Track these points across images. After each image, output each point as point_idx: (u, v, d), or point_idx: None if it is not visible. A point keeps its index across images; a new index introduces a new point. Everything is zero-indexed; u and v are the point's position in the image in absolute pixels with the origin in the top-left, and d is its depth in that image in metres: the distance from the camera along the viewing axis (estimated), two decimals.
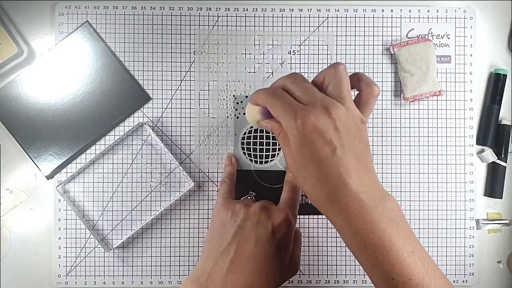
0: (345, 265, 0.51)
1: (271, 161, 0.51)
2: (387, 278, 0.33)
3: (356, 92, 0.38)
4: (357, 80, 0.37)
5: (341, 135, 0.34)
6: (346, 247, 0.51)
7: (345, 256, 0.51)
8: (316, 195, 0.35)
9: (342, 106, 0.35)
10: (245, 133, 0.51)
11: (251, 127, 0.51)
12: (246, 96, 0.51)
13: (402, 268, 0.33)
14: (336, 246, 0.51)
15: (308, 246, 0.51)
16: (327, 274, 0.51)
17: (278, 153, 0.51)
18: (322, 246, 0.51)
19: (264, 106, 0.38)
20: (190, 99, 0.51)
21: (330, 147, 0.33)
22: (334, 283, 0.51)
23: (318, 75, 0.37)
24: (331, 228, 0.51)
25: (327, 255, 0.51)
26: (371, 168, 0.36)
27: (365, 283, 0.51)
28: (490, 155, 0.51)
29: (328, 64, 0.51)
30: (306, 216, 0.51)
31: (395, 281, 0.33)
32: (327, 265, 0.51)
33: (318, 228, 0.51)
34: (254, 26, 0.52)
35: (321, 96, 0.35)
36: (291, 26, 0.52)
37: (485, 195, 0.52)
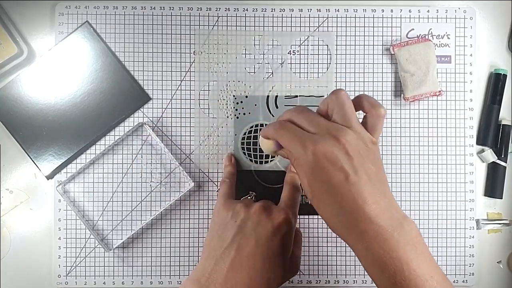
0: (345, 265, 0.51)
1: (271, 161, 0.51)
2: None
3: (363, 114, 0.38)
4: (361, 102, 0.37)
5: (353, 160, 0.34)
6: (347, 247, 0.51)
7: (345, 256, 0.51)
8: (334, 222, 0.35)
9: (349, 130, 0.35)
10: (245, 133, 0.51)
11: (251, 127, 0.51)
12: (246, 96, 0.51)
13: None
14: (336, 246, 0.51)
15: (308, 246, 0.51)
16: (327, 274, 0.51)
17: None
18: (322, 246, 0.51)
19: (274, 139, 0.38)
20: (190, 99, 0.51)
21: (343, 174, 0.34)
22: (334, 283, 0.51)
23: (321, 104, 0.38)
24: None
25: (327, 255, 0.51)
26: (387, 191, 0.35)
27: (365, 283, 0.51)
28: (490, 155, 0.51)
29: (328, 65, 0.52)
30: (306, 216, 0.51)
31: None
32: (327, 265, 0.51)
33: (318, 228, 0.51)
34: (254, 26, 0.52)
35: (328, 124, 0.35)
36: (291, 26, 0.52)
37: (485, 195, 0.52)
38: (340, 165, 0.34)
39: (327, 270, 0.51)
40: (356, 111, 0.37)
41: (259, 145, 0.46)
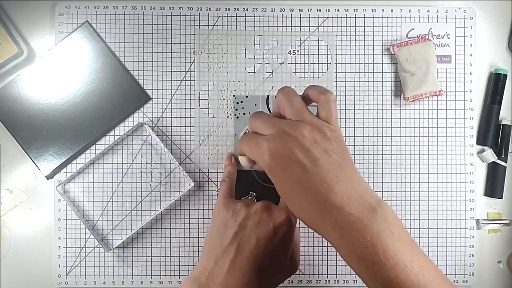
0: (345, 265, 0.51)
1: None
2: None
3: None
4: (309, 93, 0.37)
5: (309, 151, 0.33)
6: None
7: None
8: (305, 216, 0.34)
9: (302, 123, 0.34)
10: (245, 133, 0.51)
11: None
12: (246, 96, 0.51)
13: (401, 281, 0.31)
14: None
15: (308, 246, 0.51)
16: (327, 274, 0.51)
17: None
18: (322, 246, 0.51)
19: (243, 154, 0.39)
20: (190, 99, 0.51)
21: (301, 167, 0.33)
22: (334, 283, 0.51)
23: (273, 107, 0.38)
24: None
25: (327, 255, 0.51)
26: (355, 177, 0.34)
27: None
28: (490, 155, 0.51)
29: (328, 65, 0.52)
30: None
31: None
32: (327, 265, 0.51)
33: None
34: (254, 26, 0.52)
35: (280, 122, 0.35)
36: (291, 26, 0.52)
37: (485, 195, 0.52)
38: (296, 159, 0.33)
39: (327, 270, 0.51)
40: (308, 104, 0.37)
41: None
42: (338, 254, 0.51)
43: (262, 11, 0.52)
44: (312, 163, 0.33)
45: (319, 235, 0.35)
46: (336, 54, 0.52)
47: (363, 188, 0.34)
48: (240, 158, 0.42)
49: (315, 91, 0.37)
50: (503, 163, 0.52)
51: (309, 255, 0.51)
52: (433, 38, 0.52)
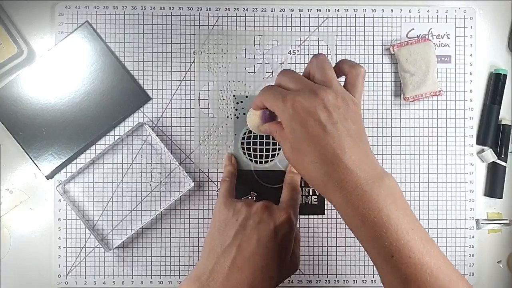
0: (345, 265, 0.51)
1: (271, 161, 0.51)
2: (387, 256, 0.33)
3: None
4: (341, 65, 0.38)
5: (331, 114, 0.34)
6: (347, 247, 0.51)
7: (345, 256, 0.51)
8: (313, 175, 0.35)
9: (329, 89, 0.35)
10: (245, 133, 0.51)
11: None
12: (246, 96, 0.51)
13: (402, 246, 0.32)
14: (336, 246, 0.51)
15: (308, 246, 0.51)
16: (327, 274, 0.51)
17: (278, 153, 0.51)
18: (322, 246, 0.51)
19: (263, 106, 0.39)
20: (190, 99, 0.51)
21: (321, 126, 0.34)
22: (334, 283, 0.51)
23: (304, 70, 0.38)
24: (331, 228, 0.51)
25: (327, 255, 0.51)
26: (367, 148, 0.35)
27: (365, 283, 0.51)
28: (490, 155, 0.51)
29: None
30: (306, 216, 0.51)
31: (394, 259, 0.32)
32: (327, 265, 0.51)
33: (318, 228, 0.51)
34: (254, 26, 0.52)
35: (309, 83, 0.36)
36: (291, 26, 0.52)
37: (485, 195, 0.52)
38: (318, 118, 0.34)
39: (327, 270, 0.51)
40: (338, 77, 0.37)
41: (247, 123, 0.44)
42: (338, 254, 0.51)
43: (262, 11, 0.52)
44: (332, 125, 0.34)
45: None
46: (336, 54, 0.52)
47: (373, 159, 0.35)
48: (251, 114, 0.41)
49: (346, 65, 0.38)
50: (503, 163, 0.52)
51: (309, 255, 0.51)
52: (433, 38, 0.52)
